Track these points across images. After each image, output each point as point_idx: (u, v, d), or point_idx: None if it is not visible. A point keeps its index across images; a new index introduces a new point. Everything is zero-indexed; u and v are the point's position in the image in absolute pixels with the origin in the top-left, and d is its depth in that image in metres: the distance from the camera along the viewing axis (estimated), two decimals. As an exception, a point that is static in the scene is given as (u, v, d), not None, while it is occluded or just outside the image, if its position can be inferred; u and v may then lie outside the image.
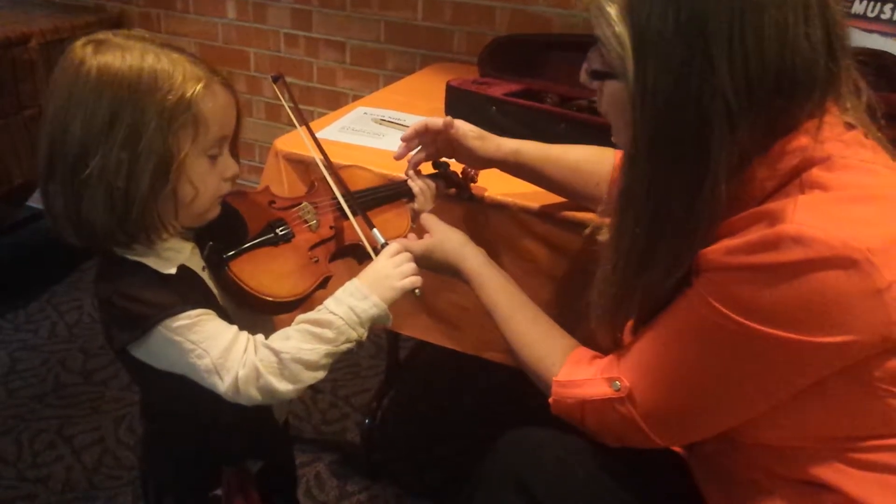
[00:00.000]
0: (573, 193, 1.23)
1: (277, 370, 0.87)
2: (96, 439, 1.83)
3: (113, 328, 0.88)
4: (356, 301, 0.91)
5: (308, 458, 1.80)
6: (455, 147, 1.19)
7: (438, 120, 1.16)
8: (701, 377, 0.79)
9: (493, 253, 1.31)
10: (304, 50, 2.42)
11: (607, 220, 1.01)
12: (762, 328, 0.72)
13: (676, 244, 0.76)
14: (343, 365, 2.13)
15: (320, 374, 0.90)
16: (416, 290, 0.98)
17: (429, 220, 1.13)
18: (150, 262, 0.88)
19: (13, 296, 2.37)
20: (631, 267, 0.80)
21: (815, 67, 0.71)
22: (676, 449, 1.02)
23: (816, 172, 0.73)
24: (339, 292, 0.93)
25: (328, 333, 0.89)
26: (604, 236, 0.97)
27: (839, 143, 0.75)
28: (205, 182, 0.89)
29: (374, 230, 1.03)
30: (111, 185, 0.83)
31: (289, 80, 2.48)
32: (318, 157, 1.09)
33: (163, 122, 0.83)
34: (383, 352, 2.07)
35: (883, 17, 1.54)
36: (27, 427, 1.86)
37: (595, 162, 1.19)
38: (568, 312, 1.28)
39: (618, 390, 0.84)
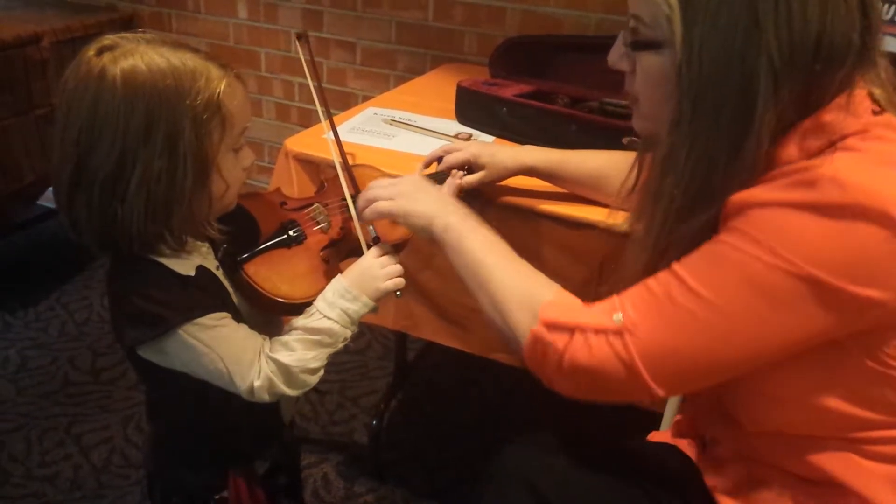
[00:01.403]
0: (595, 195, 1.25)
1: (288, 381, 0.92)
2: (105, 438, 1.84)
3: (126, 326, 0.88)
4: (347, 303, 0.94)
5: (315, 458, 1.80)
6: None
7: (456, 156, 1.22)
8: (712, 313, 0.75)
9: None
10: (315, 50, 2.42)
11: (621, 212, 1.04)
12: (791, 264, 0.70)
13: (712, 206, 0.77)
14: (351, 366, 2.13)
15: (320, 376, 0.95)
16: (398, 293, 0.99)
17: None
18: (170, 262, 0.88)
19: (23, 294, 2.38)
20: (666, 230, 0.80)
21: (852, 34, 0.72)
22: (688, 453, 1.02)
23: (851, 141, 0.73)
24: (329, 294, 0.95)
25: (327, 339, 0.94)
26: (622, 226, 1.02)
27: (871, 120, 0.75)
28: (233, 175, 0.91)
29: (370, 227, 1.04)
30: (151, 192, 0.83)
31: (299, 80, 2.49)
32: (334, 151, 1.11)
33: (197, 126, 0.83)
34: (391, 353, 2.07)
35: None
36: (36, 425, 1.86)
37: (619, 164, 1.20)
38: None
39: (618, 322, 0.78)
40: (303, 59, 1.11)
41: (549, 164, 1.23)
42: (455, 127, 1.62)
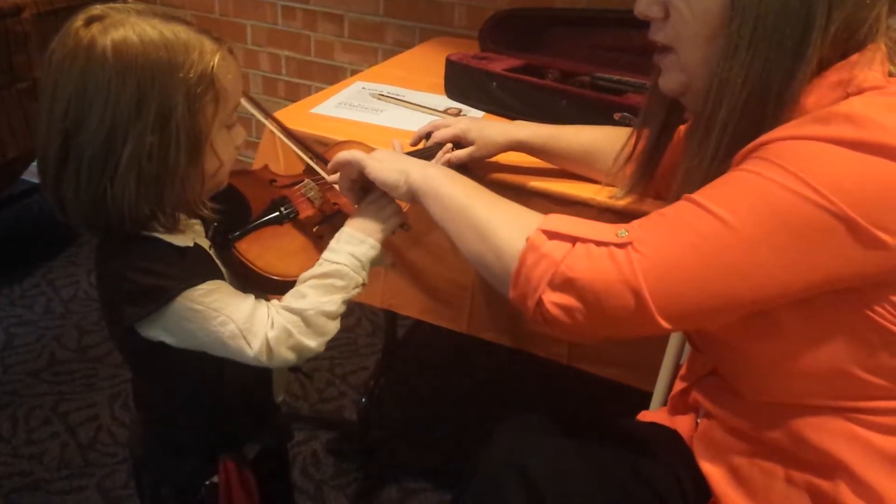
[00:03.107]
0: (587, 171, 1.23)
1: (304, 327, 0.89)
2: (91, 416, 1.82)
3: (124, 304, 0.84)
4: (354, 247, 0.93)
5: (304, 436, 1.79)
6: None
7: (445, 132, 1.21)
8: (729, 236, 0.71)
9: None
10: (302, 23, 2.38)
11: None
12: (815, 192, 0.68)
13: (764, 127, 0.76)
14: (340, 343, 2.12)
15: (338, 323, 0.93)
16: (404, 226, 1.01)
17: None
18: (166, 237, 0.85)
19: (8, 271, 2.35)
20: (716, 164, 0.79)
21: None
22: (681, 431, 1.01)
23: (868, 93, 0.73)
24: (333, 244, 0.94)
25: (339, 282, 0.91)
26: (614, 201, 1.04)
27: (889, 80, 0.75)
28: (226, 152, 0.89)
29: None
30: (142, 169, 0.80)
31: (286, 53, 2.45)
32: (290, 143, 1.12)
33: (190, 100, 0.81)
34: (381, 330, 2.06)
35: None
36: (22, 403, 1.85)
37: (611, 140, 1.19)
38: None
39: (622, 236, 0.74)
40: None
41: (539, 139, 1.22)
42: (444, 102, 1.60)
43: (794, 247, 0.70)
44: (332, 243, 0.94)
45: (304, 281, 0.91)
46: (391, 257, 1.04)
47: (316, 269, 0.92)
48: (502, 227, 0.82)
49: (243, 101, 0.99)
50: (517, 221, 0.82)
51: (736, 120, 0.77)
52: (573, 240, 0.76)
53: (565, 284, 0.74)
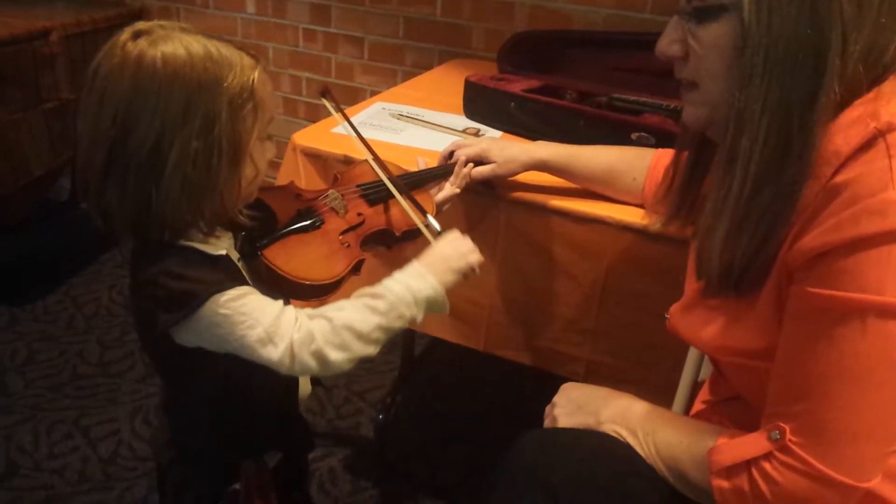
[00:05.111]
0: (606, 191, 1.25)
1: (329, 336, 0.88)
2: (112, 430, 1.84)
3: (159, 310, 0.86)
4: (412, 280, 0.93)
5: (321, 452, 1.80)
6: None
7: (467, 151, 1.24)
8: (843, 380, 0.72)
9: (513, 252, 1.31)
10: (323, 45, 2.42)
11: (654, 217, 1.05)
12: (888, 302, 0.69)
13: (791, 160, 0.76)
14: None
15: (371, 349, 0.91)
16: (476, 270, 0.99)
17: None
18: (199, 245, 0.88)
19: (31, 287, 2.38)
20: (744, 196, 0.78)
21: None
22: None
23: None
24: (398, 272, 0.94)
25: (381, 306, 0.90)
26: (654, 227, 1.04)
27: None
28: (262, 161, 0.92)
29: (429, 217, 1.05)
30: (187, 174, 0.83)
31: (307, 75, 2.49)
32: (364, 150, 1.15)
33: (233, 109, 0.85)
34: (398, 348, 2.07)
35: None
36: (44, 418, 1.87)
37: (630, 160, 1.21)
38: (587, 313, 1.29)
39: (777, 439, 0.77)
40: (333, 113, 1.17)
41: (560, 159, 1.23)
42: (463, 122, 1.62)
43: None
44: (398, 272, 0.95)
45: (358, 296, 0.92)
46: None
47: (369, 288, 0.92)
48: (690, 440, 0.87)
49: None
50: (702, 436, 0.86)
51: (760, 149, 0.76)
52: (746, 467, 0.79)
53: (765, 500, 0.78)
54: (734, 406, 0.95)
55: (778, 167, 0.76)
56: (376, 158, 1.13)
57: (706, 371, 1.17)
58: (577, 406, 1.00)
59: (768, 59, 0.75)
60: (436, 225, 1.04)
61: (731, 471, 0.81)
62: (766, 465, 0.77)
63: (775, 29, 0.74)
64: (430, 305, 0.94)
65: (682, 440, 0.88)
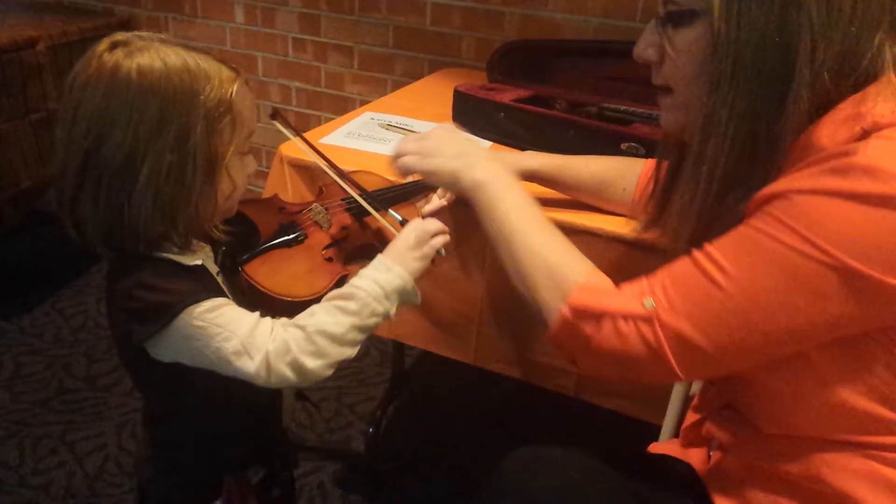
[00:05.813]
0: (596, 201, 1.24)
1: (304, 345, 0.86)
2: (99, 445, 1.82)
3: (132, 323, 0.85)
4: (379, 274, 0.91)
5: (311, 467, 1.78)
6: None
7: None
8: (744, 301, 0.75)
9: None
10: (312, 54, 2.41)
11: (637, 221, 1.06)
12: (825, 253, 0.70)
13: (757, 165, 0.76)
14: (348, 373, 2.11)
15: (348, 351, 0.89)
16: (442, 251, 0.97)
17: None
18: (175, 257, 0.87)
19: (18, 300, 2.36)
20: (710, 198, 0.80)
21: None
22: (693, 464, 1.00)
23: (885, 132, 0.71)
24: (363, 269, 0.93)
25: (351, 305, 0.88)
26: (641, 233, 1.04)
27: None
28: (239, 177, 0.90)
29: (391, 210, 1.03)
30: (160, 187, 0.82)
31: (296, 84, 2.48)
32: (322, 164, 1.10)
33: (209, 123, 0.83)
34: (388, 360, 2.05)
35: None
36: (30, 432, 1.85)
37: (620, 170, 1.20)
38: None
39: (649, 307, 0.79)
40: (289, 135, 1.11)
41: (550, 169, 1.22)
42: (452, 132, 1.60)
43: (810, 307, 0.72)
44: (363, 269, 0.93)
45: (326, 300, 0.90)
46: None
47: (338, 290, 0.90)
48: (542, 279, 0.88)
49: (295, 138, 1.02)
50: (557, 277, 0.87)
51: (725, 154, 0.77)
52: (600, 316, 0.82)
53: (597, 354, 0.83)
54: (726, 414, 0.94)
55: (744, 173, 0.76)
56: (338, 171, 1.09)
57: (697, 385, 1.16)
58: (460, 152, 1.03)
59: (737, 65, 0.75)
60: (398, 217, 1.02)
61: (585, 312, 0.83)
62: (621, 322, 0.80)
63: (744, 35, 0.74)
64: (402, 296, 0.93)
65: (552, 245, 0.91)
